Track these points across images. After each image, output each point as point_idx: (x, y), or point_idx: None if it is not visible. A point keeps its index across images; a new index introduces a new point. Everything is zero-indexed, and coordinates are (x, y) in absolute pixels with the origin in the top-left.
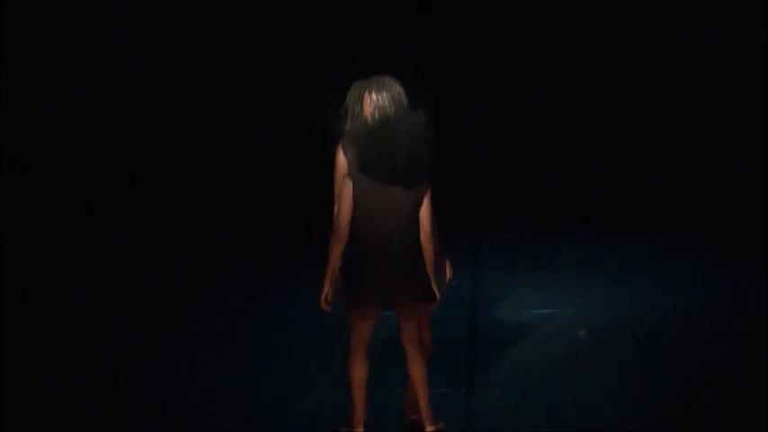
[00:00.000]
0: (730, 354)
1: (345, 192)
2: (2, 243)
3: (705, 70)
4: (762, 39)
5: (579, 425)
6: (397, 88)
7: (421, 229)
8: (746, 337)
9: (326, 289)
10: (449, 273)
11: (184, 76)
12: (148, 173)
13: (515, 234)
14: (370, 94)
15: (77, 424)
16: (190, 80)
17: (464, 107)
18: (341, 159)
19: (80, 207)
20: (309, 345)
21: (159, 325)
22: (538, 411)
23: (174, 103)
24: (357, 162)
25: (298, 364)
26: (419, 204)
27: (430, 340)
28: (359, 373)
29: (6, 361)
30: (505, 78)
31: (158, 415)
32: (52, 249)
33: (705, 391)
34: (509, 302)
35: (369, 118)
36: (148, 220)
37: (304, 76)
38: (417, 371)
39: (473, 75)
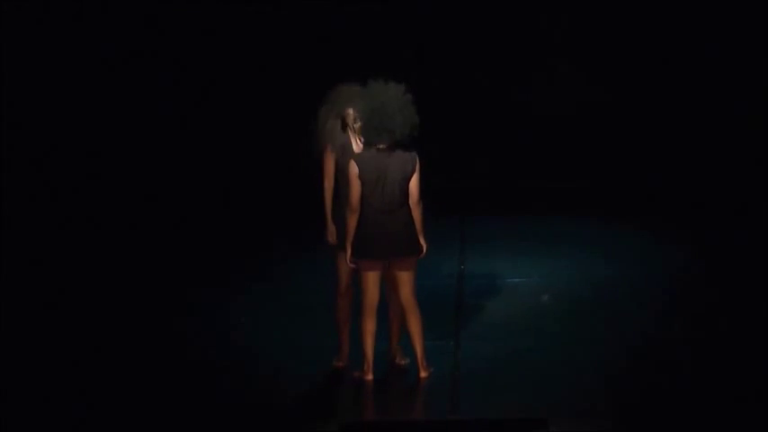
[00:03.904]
0: (663, 309)
1: (351, 173)
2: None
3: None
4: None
5: (544, 368)
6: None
7: (410, 196)
8: (677, 298)
9: (350, 250)
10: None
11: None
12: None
13: (494, 218)
14: (348, 108)
15: (137, 355)
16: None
17: (449, 106)
18: (328, 167)
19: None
20: (329, 304)
21: (213, 282)
22: (511, 358)
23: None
24: (363, 134)
25: (319, 320)
26: (409, 178)
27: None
28: (369, 326)
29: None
30: (485, 76)
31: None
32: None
33: (643, 337)
34: (488, 273)
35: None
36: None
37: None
38: (415, 325)
39: (454, 71)
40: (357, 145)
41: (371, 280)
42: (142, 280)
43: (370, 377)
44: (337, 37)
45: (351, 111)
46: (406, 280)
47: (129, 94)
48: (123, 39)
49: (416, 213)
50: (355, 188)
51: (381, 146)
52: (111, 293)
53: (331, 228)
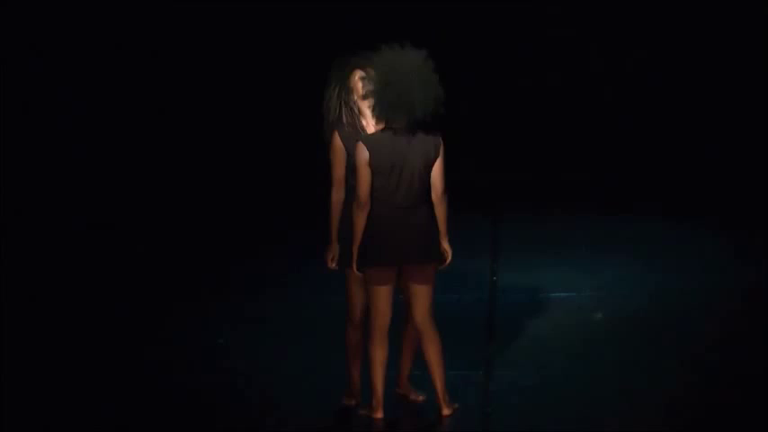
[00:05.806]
0: (738, 333)
1: (360, 159)
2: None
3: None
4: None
5: (595, 407)
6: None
7: (432, 189)
8: (755, 318)
9: (356, 255)
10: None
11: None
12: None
13: (532, 218)
14: (357, 69)
15: (125, 388)
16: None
17: (481, 94)
18: (337, 144)
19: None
20: (325, 328)
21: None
22: (554, 393)
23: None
24: (375, 110)
25: (322, 344)
26: (430, 167)
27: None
28: (380, 355)
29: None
30: (522, 67)
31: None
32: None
33: (713, 362)
34: (526, 285)
35: (379, 70)
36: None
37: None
38: (433, 352)
39: (486, 63)
40: (369, 123)
41: (383, 296)
42: (138, 289)
43: (379, 415)
44: (339, 36)
45: (358, 75)
46: (421, 295)
47: (129, 94)
48: (123, 38)
49: (440, 211)
50: (364, 178)
51: (398, 125)
52: (100, 301)
53: (334, 248)
